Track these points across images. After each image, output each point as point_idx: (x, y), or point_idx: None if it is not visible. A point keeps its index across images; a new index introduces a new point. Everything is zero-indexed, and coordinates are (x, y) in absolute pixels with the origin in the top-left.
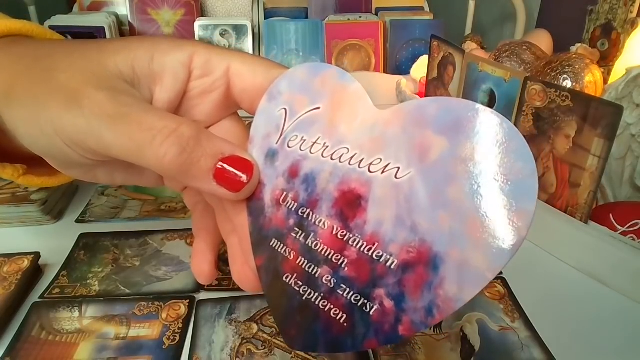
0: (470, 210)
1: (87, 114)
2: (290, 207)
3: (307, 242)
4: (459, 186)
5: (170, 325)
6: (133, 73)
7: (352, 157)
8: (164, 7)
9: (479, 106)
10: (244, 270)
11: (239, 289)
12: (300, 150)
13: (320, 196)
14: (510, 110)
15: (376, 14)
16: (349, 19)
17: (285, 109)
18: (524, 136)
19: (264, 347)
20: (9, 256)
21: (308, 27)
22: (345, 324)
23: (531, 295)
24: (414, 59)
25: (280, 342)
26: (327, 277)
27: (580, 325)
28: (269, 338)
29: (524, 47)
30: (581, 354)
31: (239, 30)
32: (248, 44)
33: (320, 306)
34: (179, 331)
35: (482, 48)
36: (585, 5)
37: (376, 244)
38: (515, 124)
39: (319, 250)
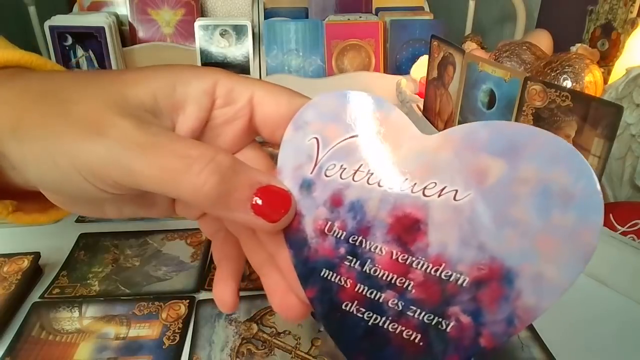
0: (538, 229)
1: (112, 144)
2: (339, 235)
3: (364, 269)
4: (522, 206)
5: (170, 325)
6: (155, 103)
7: (402, 183)
8: (164, 7)
9: (533, 128)
10: (288, 300)
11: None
12: (341, 178)
13: (371, 223)
14: (510, 110)
15: (376, 14)
16: (349, 19)
17: (316, 138)
18: None
19: (264, 347)
20: (9, 256)
21: (308, 27)
22: (421, 343)
23: None
24: (414, 59)
25: (281, 342)
26: (394, 301)
27: (580, 325)
28: (269, 338)
29: (524, 47)
30: (581, 354)
31: (239, 30)
32: (248, 44)
33: (390, 329)
34: (179, 331)
35: (482, 48)
36: (585, 5)
37: (443, 264)
38: None
39: (379, 276)
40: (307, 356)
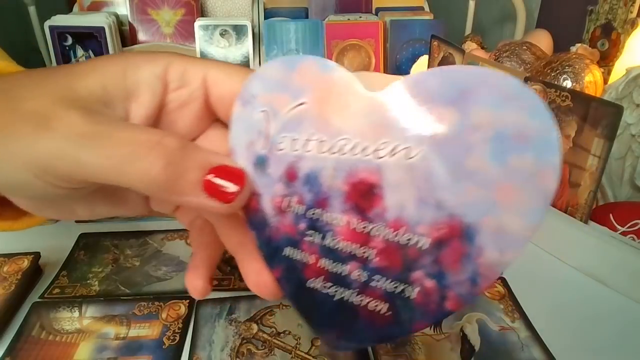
0: (496, 176)
1: (58, 136)
2: (297, 211)
3: (325, 243)
4: (478, 155)
5: (170, 325)
6: (105, 93)
7: (354, 147)
8: (164, 7)
9: (484, 70)
10: (262, 278)
11: (239, 289)
12: (293, 151)
13: (328, 194)
14: None
15: (376, 14)
16: (349, 19)
17: (265, 111)
18: None
19: (264, 347)
20: (9, 256)
21: (308, 27)
22: (389, 313)
23: (531, 295)
24: (414, 59)
25: (281, 342)
26: (357, 272)
27: (580, 325)
28: (269, 338)
29: (524, 47)
30: (581, 354)
31: (239, 30)
32: (248, 44)
33: (357, 302)
34: (179, 331)
35: (482, 48)
36: (585, 5)
37: (402, 228)
38: None
39: (341, 248)
40: (307, 356)
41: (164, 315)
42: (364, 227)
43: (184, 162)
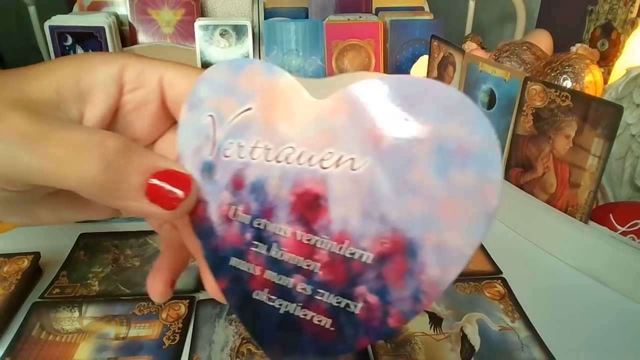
0: (438, 191)
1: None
2: (243, 220)
3: (270, 254)
4: (421, 168)
5: (170, 325)
6: (58, 96)
7: (300, 156)
8: (164, 7)
9: (427, 81)
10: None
11: None
12: (240, 158)
13: (274, 203)
14: (510, 110)
15: (376, 14)
16: (349, 19)
17: (211, 116)
18: (524, 136)
19: None
20: (9, 256)
21: (308, 27)
22: (332, 329)
23: (531, 295)
24: (414, 59)
25: None
26: (302, 286)
27: (580, 325)
28: None
29: (524, 47)
30: (581, 354)
31: (239, 30)
32: (248, 44)
33: (301, 316)
34: (179, 331)
35: (482, 48)
36: (585, 5)
37: (346, 241)
38: (515, 124)
39: (286, 260)
40: None
41: (164, 315)
42: (309, 239)
43: (126, 165)
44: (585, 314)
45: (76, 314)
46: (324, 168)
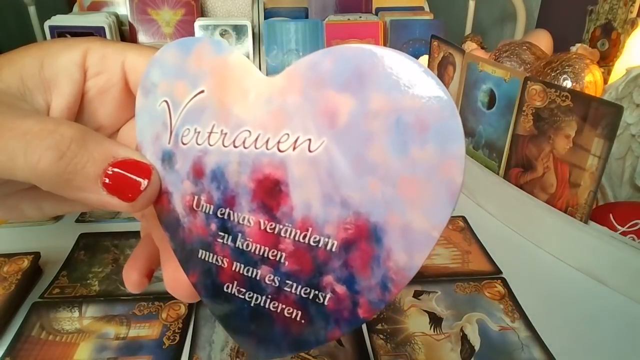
0: (398, 169)
1: None
2: (207, 210)
3: (237, 245)
4: (379, 146)
5: (170, 325)
6: (22, 84)
7: (256, 139)
8: (164, 7)
9: (375, 49)
10: (177, 277)
11: None
12: (197, 144)
13: (235, 191)
14: (510, 110)
15: (376, 14)
16: (349, 19)
17: (166, 101)
18: (524, 136)
19: None
20: (9, 256)
21: (308, 27)
22: (303, 321)
23: (531, 295)
24: None
25: None
26: (270, 277)
27: (580, 325)
28: None
29: (524, 47)
30: (581, 354)
31: (239, 30)
32: (248, 44)
33: (272, 309)
34: (179, 331)
35: (482, 48)
36: (585, 5)
37: (310, 229)
38: (515, 124)
39: (252, 250)
40: (307, 356)
41: (164, 315)
42: (273, 228)
43: (82, 154)
44: (585, 314)
45: (76, 314)
46: (281, 151)
